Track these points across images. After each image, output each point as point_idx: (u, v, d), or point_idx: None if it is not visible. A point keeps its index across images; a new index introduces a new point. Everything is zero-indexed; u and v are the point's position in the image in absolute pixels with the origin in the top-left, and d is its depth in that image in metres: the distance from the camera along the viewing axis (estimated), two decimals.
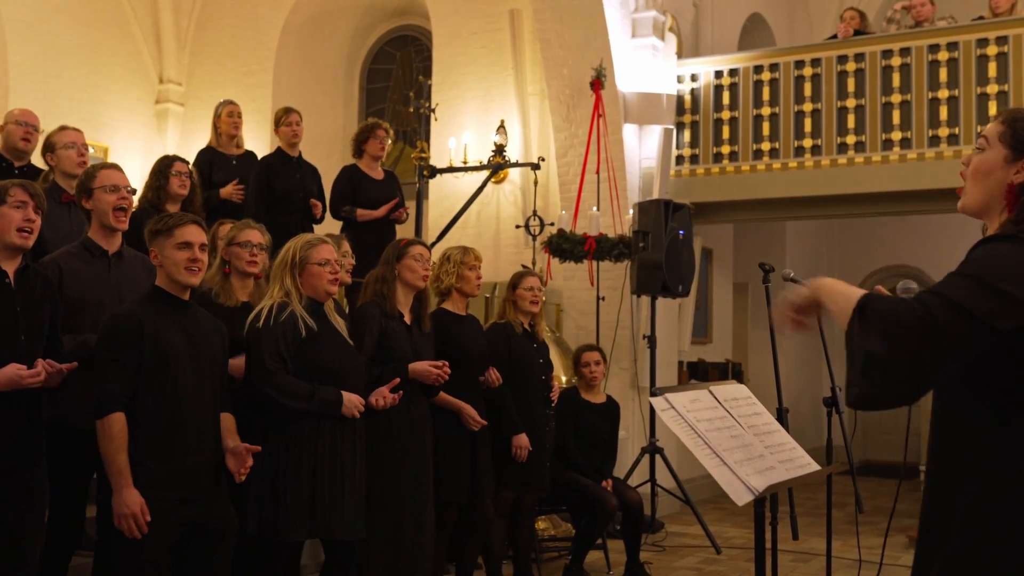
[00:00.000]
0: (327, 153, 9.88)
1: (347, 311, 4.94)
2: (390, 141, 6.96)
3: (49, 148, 5.11)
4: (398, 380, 4.26)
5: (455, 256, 5.02)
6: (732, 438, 3.32)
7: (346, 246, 4.98)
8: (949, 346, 1.90)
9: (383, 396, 4.18)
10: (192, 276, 3.56)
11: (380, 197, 6.67)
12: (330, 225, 6.65)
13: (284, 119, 6.69)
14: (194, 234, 3.55)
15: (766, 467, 3.30)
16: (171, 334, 3.48)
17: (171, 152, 6.60)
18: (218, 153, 6.71)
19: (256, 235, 4.29)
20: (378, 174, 6.81)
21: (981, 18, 8.21)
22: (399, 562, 4.33)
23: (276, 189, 6.47)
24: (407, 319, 4.60)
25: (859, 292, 2.02)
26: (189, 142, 10.11)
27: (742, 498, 3.10)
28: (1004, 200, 2.12)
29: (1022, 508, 2.00)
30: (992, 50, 7.88)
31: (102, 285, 3.97)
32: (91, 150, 5.50)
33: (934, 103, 8.07)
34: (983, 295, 1.92)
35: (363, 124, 7.00)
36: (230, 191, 6.40)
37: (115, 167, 4.15)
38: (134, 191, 4.17)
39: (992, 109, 7.84)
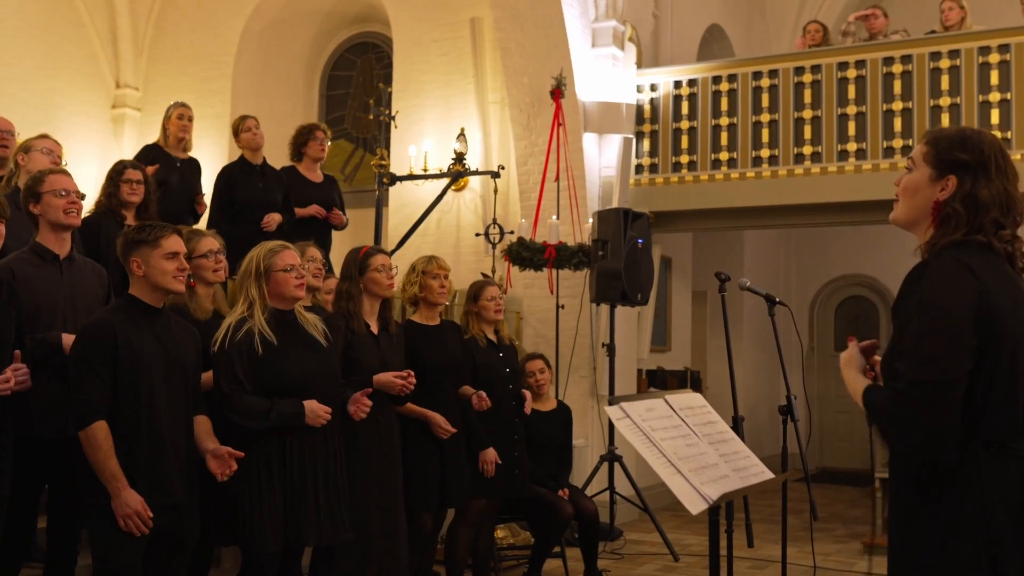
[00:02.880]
0: (287, 160, 9.78)
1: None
2: (329, 143, 6.92)
3: (24, 149, 5.00)
4: (371, 389, 4.24)
5: (419, 265, 5.03)
6: (687, 447, 3.35)
7: (313, 251, 4.95)
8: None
9: (359, 404, 4.13)
10: (181, 284, 3.65)
11: (316, 200, 6.65)
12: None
13: (241, 126, 6.64)
14: (179, 244, 3.65)
15: (720, 475, 3.32)
16: (144, 343, 3.50)
17: (127, 158, 6.52)
18: (163, 152, 6.63)
19: (212, 242, 4.28)
20: (317, 177, 6.79)
21: (934, 32, 8.35)
22: (367, 570, 4.31)
23: (237, 200, 6.40)
24: (374, 328, 4.59)
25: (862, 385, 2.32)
26: None
27: (696, 506, 3.12)
28: (930, 217, 2.27)
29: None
30: (945, 63, 8.02)
31: (55, 290, 3.93)
32: (65, 162, 5.41)
33: (888, 115, 8.19)
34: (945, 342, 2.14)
35: (300, 127, 6.96)
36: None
37: (63, 172, 4.11)
38: (83, 196, 4.12)
39: (945, 121, 7.96)
